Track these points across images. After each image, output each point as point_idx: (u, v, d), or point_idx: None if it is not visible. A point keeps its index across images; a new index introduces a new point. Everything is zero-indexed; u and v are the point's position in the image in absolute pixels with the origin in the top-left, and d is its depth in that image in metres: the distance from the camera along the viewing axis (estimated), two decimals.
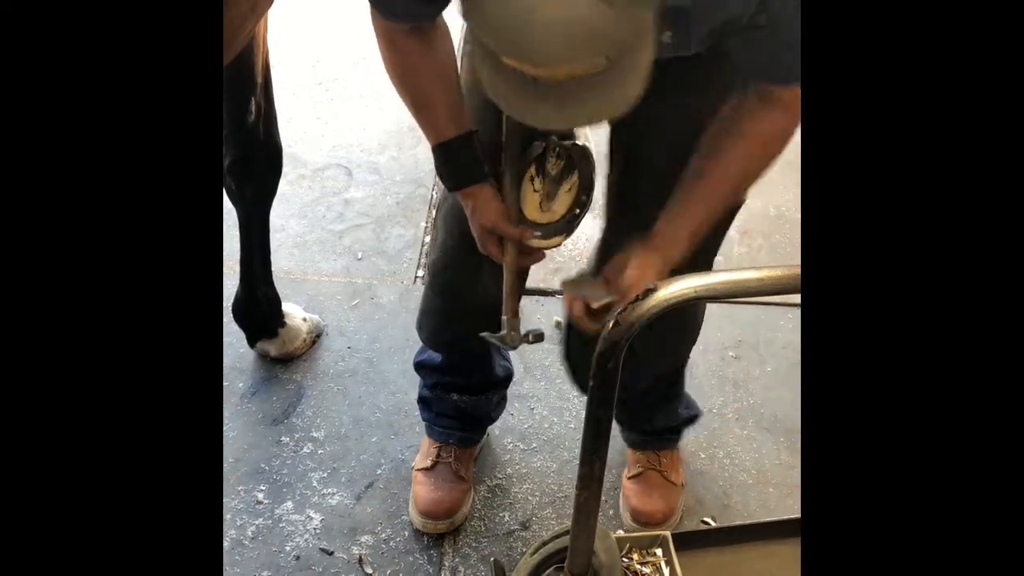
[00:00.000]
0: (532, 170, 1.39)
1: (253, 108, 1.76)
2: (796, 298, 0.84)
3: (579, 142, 1.39)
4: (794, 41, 0.97)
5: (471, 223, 1.40)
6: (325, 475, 1.90)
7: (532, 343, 1.46)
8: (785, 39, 1.09)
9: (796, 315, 2.20)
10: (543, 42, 0.95)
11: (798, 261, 0.82)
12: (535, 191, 1.40)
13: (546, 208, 1.41)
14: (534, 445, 1.99)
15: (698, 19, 1.13)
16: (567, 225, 1.43)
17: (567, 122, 1.21)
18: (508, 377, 1.87)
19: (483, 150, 1.36)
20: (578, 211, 1.42)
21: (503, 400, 1.90)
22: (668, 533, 1.36)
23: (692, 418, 1.89)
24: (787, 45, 1.08)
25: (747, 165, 1.29)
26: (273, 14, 1.67)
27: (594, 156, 1.41)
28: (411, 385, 2.11)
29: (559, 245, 1.48)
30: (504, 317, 1.44)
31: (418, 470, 1.85)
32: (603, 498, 1.11)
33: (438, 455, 1.84)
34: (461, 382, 1.79)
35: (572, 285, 1.39)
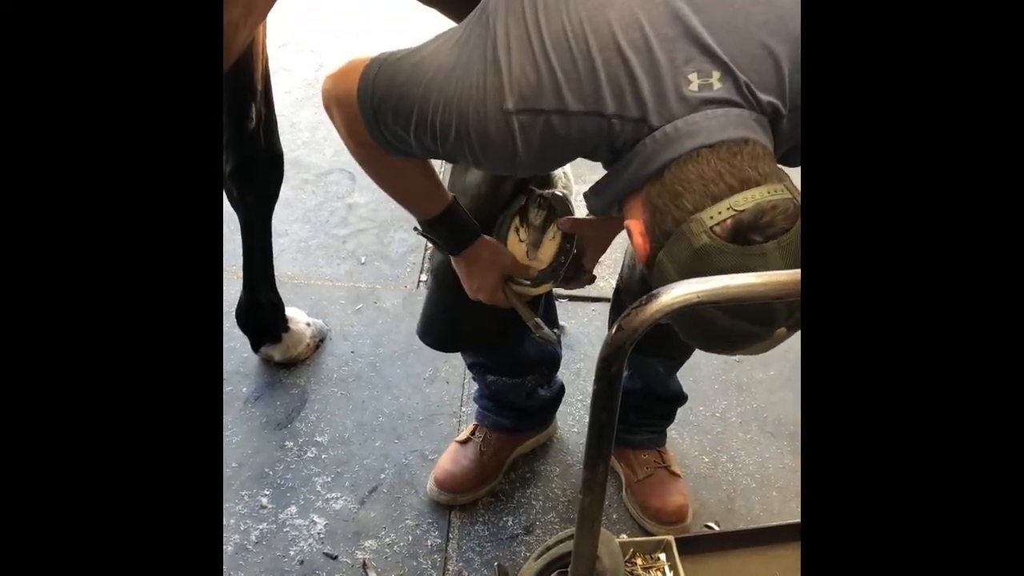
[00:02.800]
0: (516, 221, 1.47)
1: (253, 115, 1.77)
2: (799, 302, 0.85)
3: (558, 191, 1.47)
4: None
5: (478, 280, 1.45)
6: (329, 480, 1.90)
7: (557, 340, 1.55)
8: None
9: None
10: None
11: None
12: (521, 241, 1.48)
13: (533, 256, 1.48)
14: (537, 449, 2.00)
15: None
16: (553, 272, 1.48)
17: None
18: (544, 360, 1.82)
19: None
20: (563, 258, 1.47)
21: (536, 391, 1.86)
22: (672, 537, 1.37)
23: (684, 398, 1.89)
24: None
25: None
26: (275, 19, 1.68)
27: (572, 203, 1.48)
28: (414, 389, 2.12)
29: (550, 291, 1.54)
30: (530, 322, 1.51)
31: (454, 440, 1.92)
32: (607, 502, 1.11)
33: (472, 433, 1.91)
34: (489, 362, 1.80)
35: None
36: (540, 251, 1.48)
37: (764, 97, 1.07)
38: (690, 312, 0.95)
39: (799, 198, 1.00)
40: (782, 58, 1.07)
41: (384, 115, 1.18)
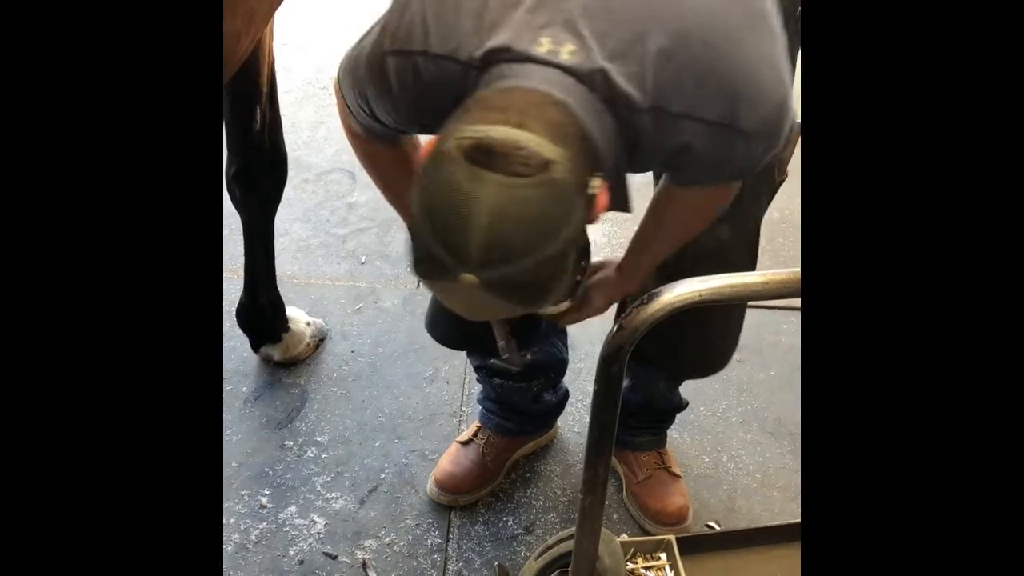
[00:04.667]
0: None
1: (258, 117, 1.77)
2: (799, 302, 0.84)
3: None
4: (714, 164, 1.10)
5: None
6: (329, 479, 1.90)
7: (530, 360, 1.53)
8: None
9: (799, 319, 2.19)
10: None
11: None
12: None
13: None
14: (538, 449, 1.99)
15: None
16: (569, 291, 1.44)
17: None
18: (551, 365, 1.82)
19: None
20: (579, 277, 1.44)
21: (542, 395, 1.86)
22: (672, 537, 1.36)
23: (684, 405, 1.89)
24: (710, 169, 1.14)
25: (692, 219, 1.35)
26: (277, 20, 1.67)
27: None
28: (414, 389, 2.11)
29: (565, 310, 1.50)
30: (500, 343, 1.49)
31: (456, 441, 1.91)
32: (607, 502, 1.11)
33: (474, 434, 1.90)
34: (497, 364, 1.77)
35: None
36: None
37: (621, 85, 1.03)
38: (433, 172, 0.96)
39: (562, 175, 0.95)
40: (652, 52, 1.03)
41: (352, 95, 1.20)
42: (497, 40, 1.05)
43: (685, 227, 1.36)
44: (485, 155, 0.94)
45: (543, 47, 1.03)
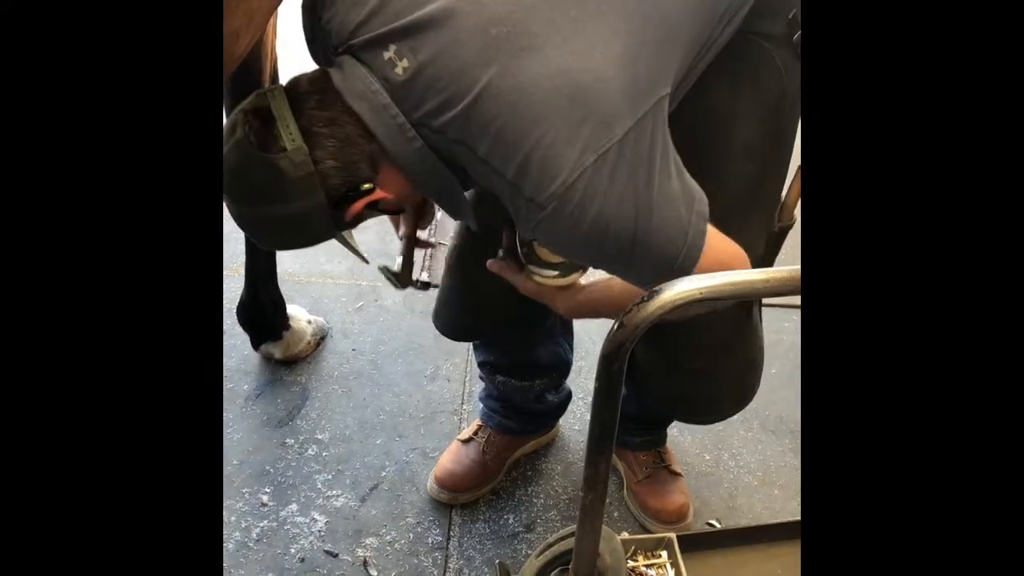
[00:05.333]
0: None
1: None
2: (800, 299, 0.84)
3: None
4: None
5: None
6: (330, 477, 1.90)
7: (419, 289, 1.60)
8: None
9: (800, 317, 2.19)
10: None
11: None
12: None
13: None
14: (539, 448, 1.99)
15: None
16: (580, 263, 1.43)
17: None
18: (555, 365, 1.82)
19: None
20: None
21: (545, 395, 1.86)
22: (673, 535, 1.36)
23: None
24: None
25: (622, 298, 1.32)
26: (280, 21, 1.67)
27: None
28: (415, 387, 2.12)
29: (576, 281, 1.49)
30: (400, 256, 1.53)
31: (456, 439, 1.92)
32: (608, 500, 1.10)
33: (475, 432, 1.91)
34: (502, 362, 1.79)
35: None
36: None
37: (437, 117, 1.09)
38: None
39: (287, 165, 1.10)
40: (471, 96, 1.06)
41: None
42: (358, 33, 1.11)
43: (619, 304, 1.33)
44: (254, 118, 1.12)
45: (388, 53, 1.10)
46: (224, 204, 1.12)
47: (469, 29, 1.07)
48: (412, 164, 1.14)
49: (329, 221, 1.16)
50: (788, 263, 0.95)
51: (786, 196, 1.40)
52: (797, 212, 1.41)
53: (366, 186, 1.15)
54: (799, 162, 1.12)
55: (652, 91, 1.09)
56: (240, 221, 1.19)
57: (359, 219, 1.21)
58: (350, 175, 1.13)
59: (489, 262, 1.39)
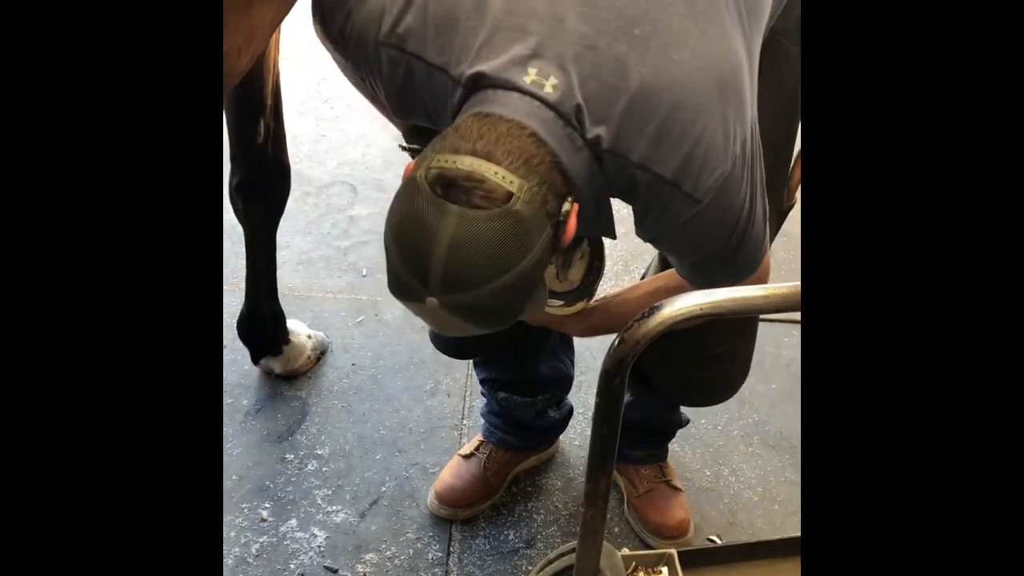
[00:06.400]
0: None
1: (262, 129, 1.77)
2: (800, 315, 0.84)
3: None
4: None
5: None
6: (329, 492, 1.89)
7: None
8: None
9: (800, 332, 2.19)
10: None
11: None
12: (551, 263, 1.43)
13: (563, 277, 1.44)
14: (539, 463, 1.99)
15: None
16: (586, 290, 1.45)
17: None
18: (557, 381, 1.82)
19: None
20: (592, 277, 1.44)
21: (547, 411, 1.86)
22: (674, 551, 1.36)
23: (685, 422, 1.88)
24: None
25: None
26: (283, 39, 1.68)
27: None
28: (415, 402, 2.11)
29: (581, 310, 1.50)
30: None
31: (457, 454, 1.91)
32: (609, 515, 1.10)
33: (476, 448, 1.90)
34: (503, 379, 1.79)
35: None
36: (570, 271, 1.44)
37: (592, 127, 1.07)
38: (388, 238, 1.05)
39: (521, 207, 1.00)
40: (624, 100, 1.06)
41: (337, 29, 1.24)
42: (486, 65, 1.08)
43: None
44: (449, 186, 1.00)
45: (529, 77, 1.07)
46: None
47: (611, 33, 1.07)
48: (580, 174, 1.09)
49: (547, 256, 1.07)
50: (788, 278, 0.95)
51: (788, 178, 1.43)
52: (798, 195, 1.44)
53: (569, 199, 1.07)
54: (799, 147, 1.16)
55: (755, 78, 1.14)
56: (461, 312, 1.04)
57: (574, 242, 1.15)
58: (551, 189, 1.05)
59: None
